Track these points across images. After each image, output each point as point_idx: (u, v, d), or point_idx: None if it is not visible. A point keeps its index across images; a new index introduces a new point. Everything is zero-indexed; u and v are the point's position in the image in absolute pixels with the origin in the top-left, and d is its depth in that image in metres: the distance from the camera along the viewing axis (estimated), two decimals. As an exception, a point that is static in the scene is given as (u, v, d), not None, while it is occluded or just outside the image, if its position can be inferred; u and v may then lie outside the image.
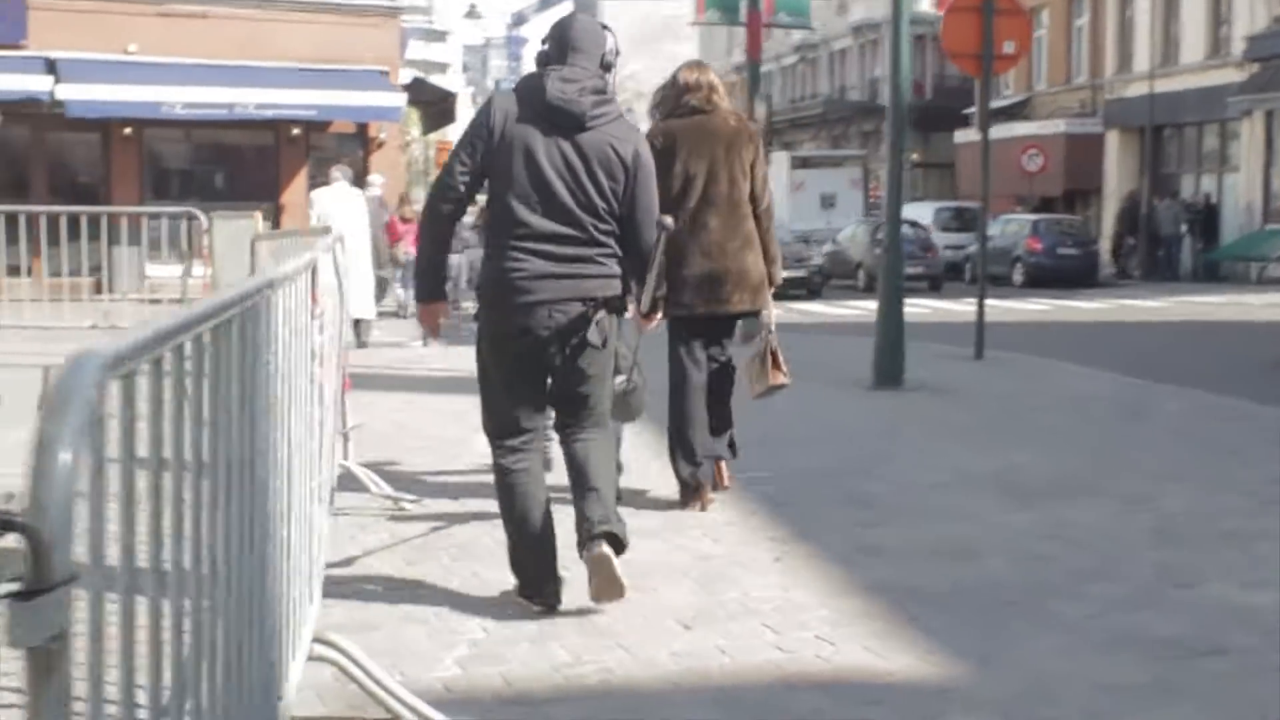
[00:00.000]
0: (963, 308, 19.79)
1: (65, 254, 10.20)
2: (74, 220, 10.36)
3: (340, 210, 13.41)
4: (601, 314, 4.97)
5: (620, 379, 5.74)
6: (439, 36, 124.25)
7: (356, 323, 12.89)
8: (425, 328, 5.36)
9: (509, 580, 5.10)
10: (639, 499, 6.73)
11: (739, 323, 6.86)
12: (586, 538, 4.91)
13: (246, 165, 24.73)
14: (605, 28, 5.27)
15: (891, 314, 11.29)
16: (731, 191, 6.57)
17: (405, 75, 25.44)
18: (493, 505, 5.28)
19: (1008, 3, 13.06)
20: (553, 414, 5.25)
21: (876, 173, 47.47)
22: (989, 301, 14.03)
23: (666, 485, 6.87)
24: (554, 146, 4.91)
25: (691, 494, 6.60)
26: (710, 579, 5.41)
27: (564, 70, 4.99)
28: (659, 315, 5.45)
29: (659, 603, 5.08)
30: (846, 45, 51.46)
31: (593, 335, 4.95)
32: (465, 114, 19.59)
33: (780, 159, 43.79)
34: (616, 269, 5.06)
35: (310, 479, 3.77)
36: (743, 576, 5.43)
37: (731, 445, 6.88)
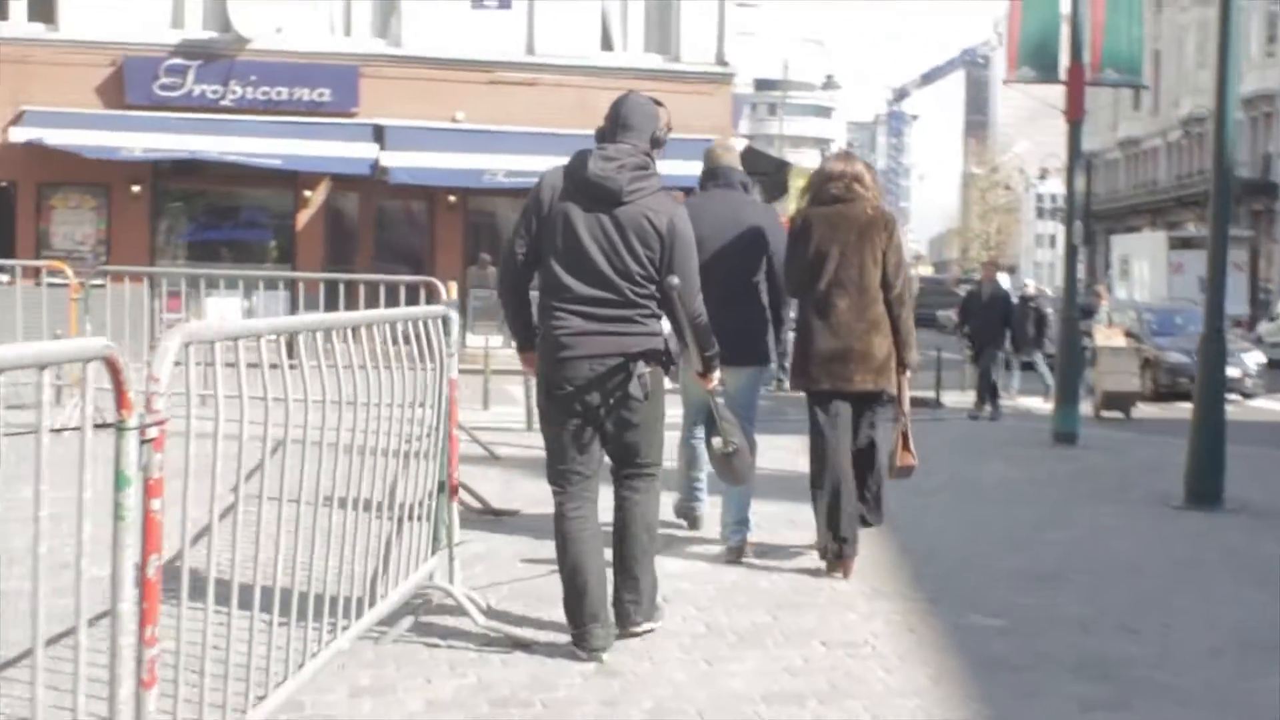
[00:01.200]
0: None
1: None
2: (392, 290, 10.27)
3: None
4: (642, 368, 5.46)
5: (718, 441, 6.26)
6: (824, 112, 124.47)
7: None
8: (527, 370, 5.89)
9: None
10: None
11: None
12: (620, 616, 5.58)
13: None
14: (659, 104, 5.89)
15: (1209, 418, 9.61)
16: (861, 276, 6.98)
17: (739, 144, 24.69)
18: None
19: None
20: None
21: (1270, 253, 44.05)
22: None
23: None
24: (594, 219, 5.46)
25: (832, 561, 7.04)
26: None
27: (609, 149, 5.58)
28: (716, 375, 5.93)
29: None
30: (1237, 118, 47.93)
31: (634, 388, 5.44)
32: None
33: (1158, 239, 41.10)
34: (656, 327, 5.57)
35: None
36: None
37: (864, 518, 7.18)
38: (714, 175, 7.67)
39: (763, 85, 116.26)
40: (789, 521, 8.18)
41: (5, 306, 13.05)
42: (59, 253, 22.80)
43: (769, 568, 7.11)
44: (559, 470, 5.59)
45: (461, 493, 7.03)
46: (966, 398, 19.29)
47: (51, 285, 13.33)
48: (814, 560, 7.12)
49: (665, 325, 5.64)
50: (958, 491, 10.14)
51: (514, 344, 5.92)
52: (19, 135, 22.01)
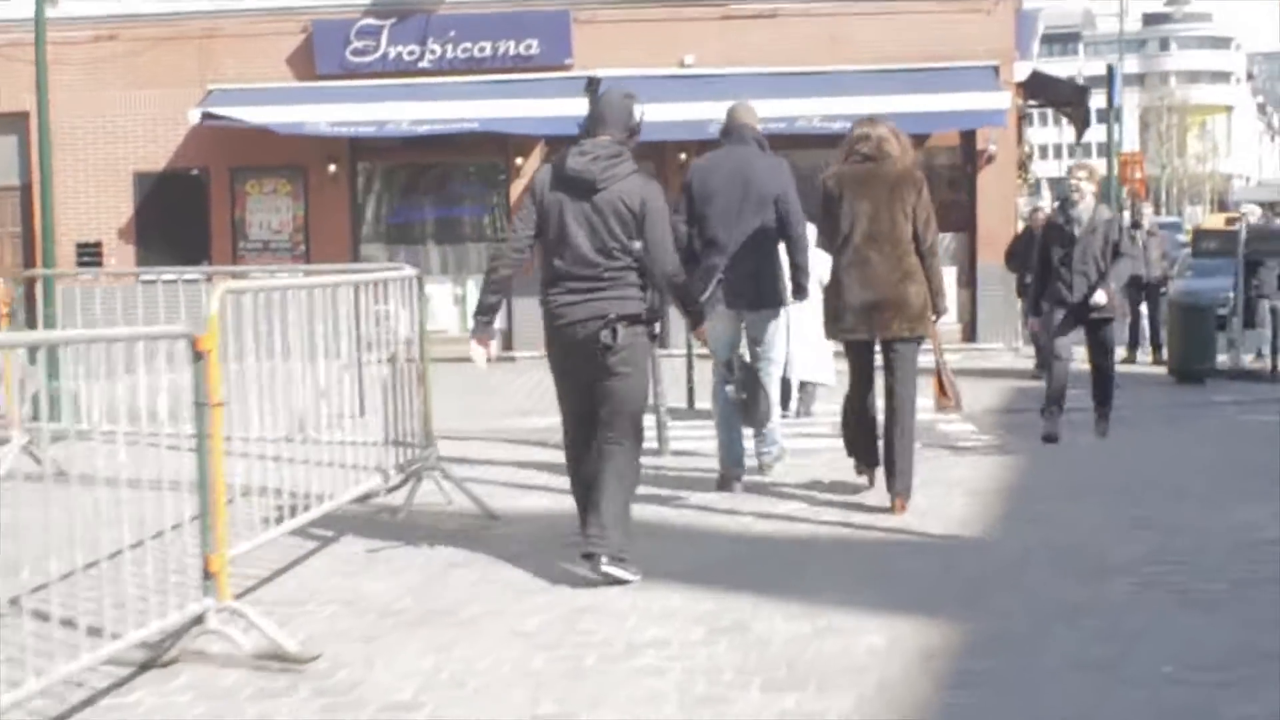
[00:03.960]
0: None
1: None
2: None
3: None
4: (617, 323, 6.62)
5: (731, 388, 8.09)
6: (1222, 44, 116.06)
7: (802, 385, 12.03)
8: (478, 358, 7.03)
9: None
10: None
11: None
12: (583, 552, 6.64)
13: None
14: (631, 96, 7.05)
15: None
16: (893, 230, 7.87)
17: (1022, 70, 21.18)
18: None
19: None
20: None
21: None
22: None
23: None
24: (577, 207, 6.69)
25: (866, 474, 8.51)
26: None
27: (584, 144, 6.79)
28: (704, 325, 7.22)
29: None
30: None
31: (605, 336, 6.61)
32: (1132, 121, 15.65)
33: None
34: (632, 292, 6.73)
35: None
36: None
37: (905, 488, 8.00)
38: (729, 133, 8.75)
39: (1151, 20, 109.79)
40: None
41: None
42: (255, 244, 21.37)
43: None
44: (564, 413, 6.96)
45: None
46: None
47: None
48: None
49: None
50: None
51: (474, 325, 7.05)
52: (201, 116, 20.38)
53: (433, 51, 20.65)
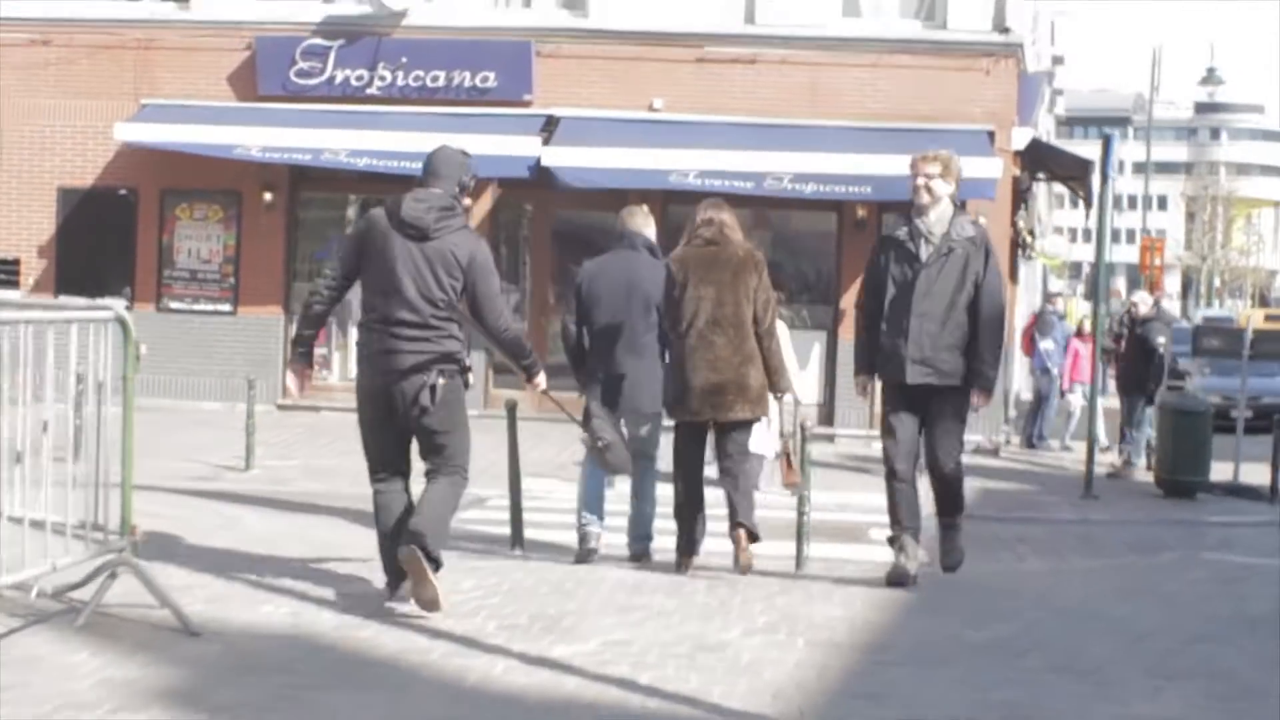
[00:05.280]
0: None
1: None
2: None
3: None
4: (434, 376, 6.80)
5: (585, 436, 8.38)
6: (1275, 137, 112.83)
7: None
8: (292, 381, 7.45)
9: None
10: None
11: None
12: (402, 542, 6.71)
13: (799, 254, 19.97)
14: (465, 154, 7.14)
15: None
16: (736, 313, 8.22)
17: (1021, 137, 19.62)
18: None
19: None
20: None
21: None
22: None
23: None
24: (406, 251, 6.81)
25: (682, 558, 8.47)
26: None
27: (419, 193, 6.91)
28: (540, 379, 7.40)
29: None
30: None
31: (423, 396, 6.79)
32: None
33: None
34: (452, 346, 6.90)
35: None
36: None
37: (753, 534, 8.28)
38: (620, 237, 9.07)
39: (1203, 109, 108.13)
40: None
41: None
42: (182, 273, 19.99)
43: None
44: (371, 462, 7.11)
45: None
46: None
47: None
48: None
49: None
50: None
51: (291, 355, 7.57)
52: (128, 133, 19.04)
53: (382, 78, 19.25)
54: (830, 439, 17.78)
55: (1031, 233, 24.27)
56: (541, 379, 7.40)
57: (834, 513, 12.24)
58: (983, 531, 11.25)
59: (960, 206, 8.61)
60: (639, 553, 9.02)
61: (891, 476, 8.23)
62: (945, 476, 8.33)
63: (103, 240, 19.96)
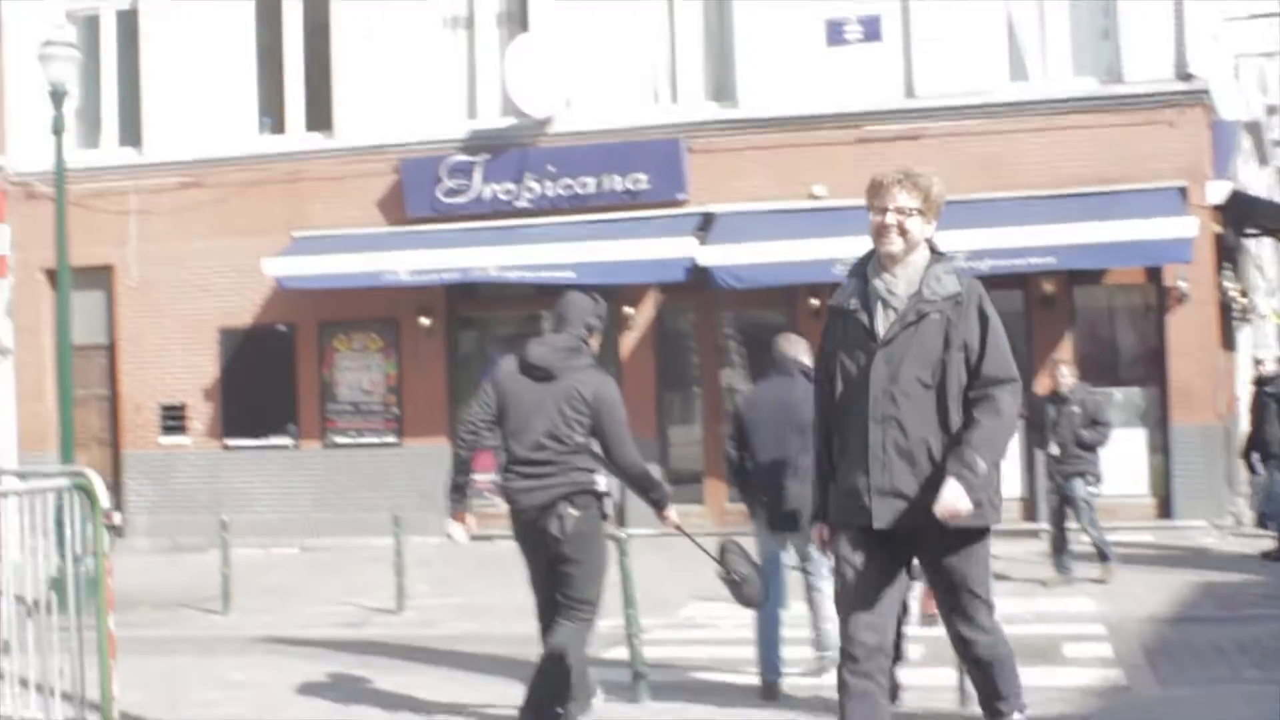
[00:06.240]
0: None
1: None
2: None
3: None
4: (566, 509, 7.22)
5: (719, 569, 7.95)
6: None
7: None
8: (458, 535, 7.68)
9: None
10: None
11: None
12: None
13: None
14: (594, 299, 7.67)
15: None
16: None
17: (1218, 190, 18.14)
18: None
19: None
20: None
21: None
22: None
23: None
24: (534, 392, 7.31)
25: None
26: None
27: (548, 338, 7.57)
28: (671, 512, 7.63)
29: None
30: None
31: (554, 527, 7.24)
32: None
33: None
34: (584, 477, 7.30)
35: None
36: None
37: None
38: (774, 364, 9.29)
39: None
40: None
41: None
42: (344, 406, 19.60)
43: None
44: (533, 591, 7.57)
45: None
46: None
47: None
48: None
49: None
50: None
51: (449, 504, 7.64)
52: (278, 268, 18.79)
53: (530, 189, 18.70)
54: (1034, 534, 16.43)
55: (1244, 293, 22.58)
56: (672, 512, 7.70)
57: (1028, 624, 10.97)
58: (1196, 637, 10.03)
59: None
60: (827, 663, 8.61)
61: (843, 667, 5.54)
62: (977, 658, 5.78)
63: (264, 378, 19.78)
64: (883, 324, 5.62)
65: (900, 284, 5.64)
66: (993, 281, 17.53)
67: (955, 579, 5.60)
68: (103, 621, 5.67)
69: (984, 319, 5.60)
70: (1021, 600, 12.12)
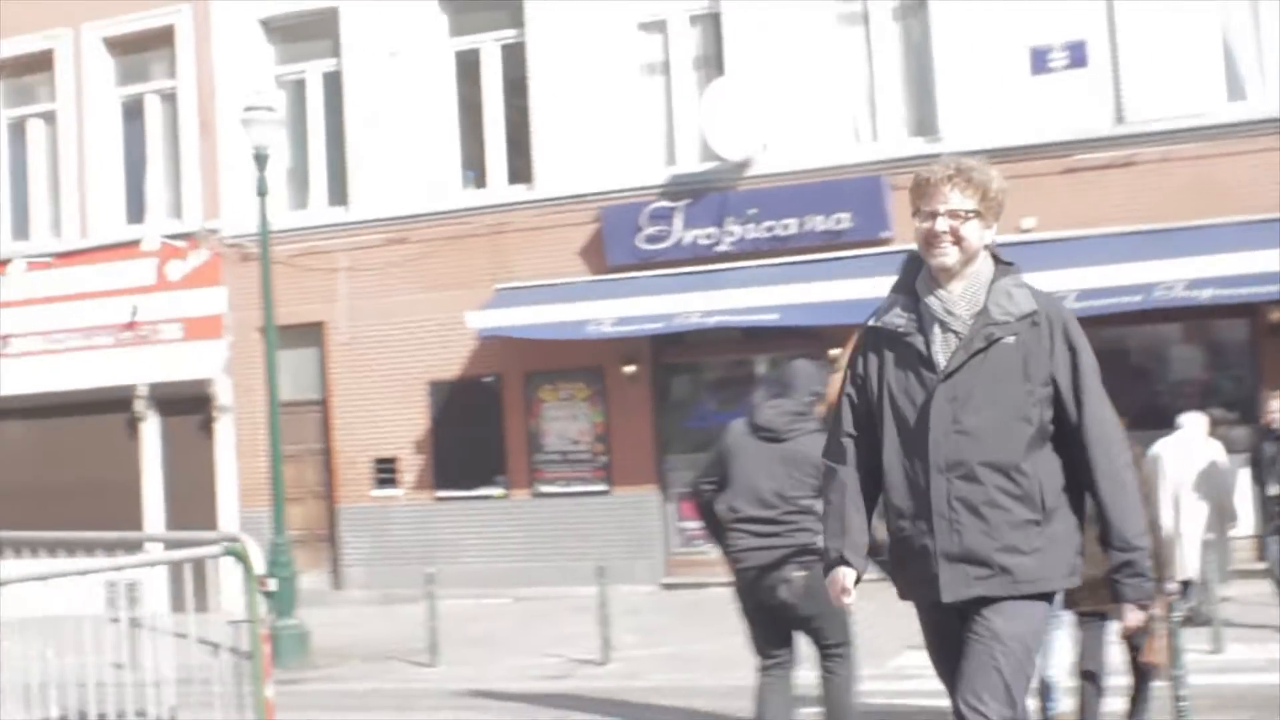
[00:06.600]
0: None
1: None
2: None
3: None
4: (791, 571, 7.33)
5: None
6: None
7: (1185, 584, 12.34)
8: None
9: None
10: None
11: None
12: None
13: (1208, 367, 17.97)
14: (819, 366, 7.85)
15: None
16: None
17: None
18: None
19: None
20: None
21: None
22: None
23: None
24: (762, 454, 7.50)
25: None
26: None
27: (775, 401, 7.62)
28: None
29: None
30: None
31: (782, 592, 7.37)
32: None
33: None
34: (806, 538, 7.28)
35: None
36: None
37: None
38: None
39: None
40: None
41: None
42: (552, 455, 19.65)
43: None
44: (753, 646, 7.77)
45: None
46: None
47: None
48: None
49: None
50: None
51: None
52: (481, 320, 18.97)
53: (731, 233, 18.59)
54: (1266, 574, 15.67)
55: None
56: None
57: (1259, 673, 10.40)
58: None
59: (1008, 266, 4.81)
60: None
61: None
62: None
63: (473, 429, 19.95)
64: (943, 352, 4.57)
65: (960, 302, 4.61)
66: (1216, 311, 17.25)
67: (986, 646, 4.48)
68: (259, 688, 5.65)
69: (1073, 351, 4.57)
70: (1257, 647, 11.55)
